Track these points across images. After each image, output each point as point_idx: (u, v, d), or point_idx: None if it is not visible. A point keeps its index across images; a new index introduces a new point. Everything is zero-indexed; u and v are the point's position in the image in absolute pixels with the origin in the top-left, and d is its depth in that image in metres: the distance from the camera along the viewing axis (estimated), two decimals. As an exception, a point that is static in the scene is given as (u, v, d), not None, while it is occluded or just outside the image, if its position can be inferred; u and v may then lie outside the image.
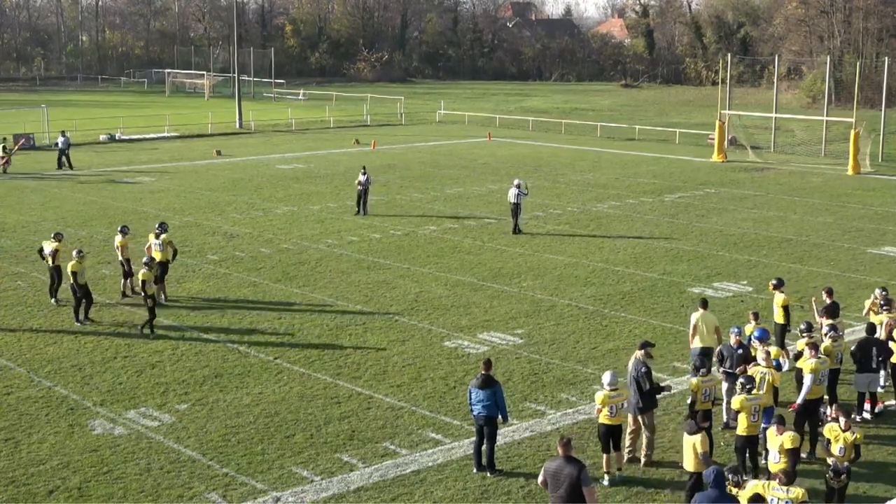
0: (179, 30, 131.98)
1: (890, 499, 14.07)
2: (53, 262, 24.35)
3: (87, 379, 19.40)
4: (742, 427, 14.92)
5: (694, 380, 15.80)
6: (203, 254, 29.55)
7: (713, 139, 53.82)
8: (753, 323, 18.53)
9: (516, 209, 32.89)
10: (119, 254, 25.44)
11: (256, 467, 15.62)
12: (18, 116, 61.48)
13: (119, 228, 26.15)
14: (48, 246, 24.68)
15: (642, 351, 15.98)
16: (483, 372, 15.47)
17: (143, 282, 22.14)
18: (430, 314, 23.69)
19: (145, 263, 22.87)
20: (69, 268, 22.92)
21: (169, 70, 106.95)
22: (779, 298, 20.28)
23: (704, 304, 18.88)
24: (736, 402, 15.01)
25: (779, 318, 20.21)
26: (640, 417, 15.79)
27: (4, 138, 49.20)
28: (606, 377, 15.19)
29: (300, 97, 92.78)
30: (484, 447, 15.47)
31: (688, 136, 61.27)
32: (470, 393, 15.50)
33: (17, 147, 49.61)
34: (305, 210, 37.06)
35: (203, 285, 26.07)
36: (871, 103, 66.78)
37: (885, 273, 27.87)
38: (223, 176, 45.57)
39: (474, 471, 15.45)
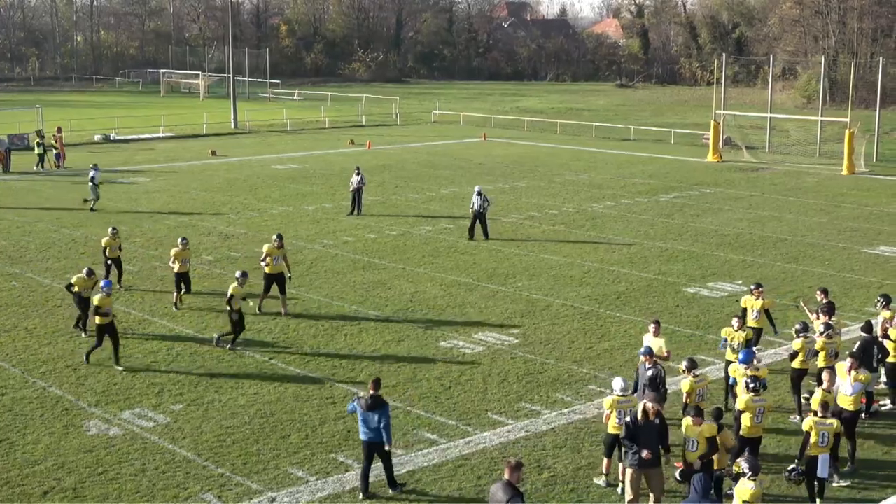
0: (174, 30, 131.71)
1: (885, 498, 14.10)
2: (104, 255, 25.68)
3: (81, 379, 19.37)
4: (745, 428, 14.83)
5: (686, 381, 15.73)
6: (198, 254, 29.49)
7: (708, 139, 53.87)
8: (737, 325, 18.04)
9: (481, 217, 31.95)
10: (175, 266, 24.16)
11: (252, 468, 15.61)
12: (13, 117, 61.34)
13: (180, 240, 24.85)
14: (104, 241, 25.89)
15: (650, 404, 14.08)
16: (371, 392, 14.57)
17: (232, 296, 20.97)
18: (426, 314, 23.69)
19: (238, 278, 21.41)
20: (73, 279, 22.26)
21: (164, 70, 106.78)
22: (758, 303, 19.86)
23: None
24: (741, 402, 14.95)
25: (762, 322, 19.99)
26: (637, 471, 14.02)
27: (39, 131, 49.10)
28: (617, 382, 14.84)
29: (295, 97, 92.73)
30: (374, 471, 14.69)
31: (683, 136, 61.34)
32: (358, 416, 14.61)
33: (60, 142, 48.86)
34: (301, 210, 37.05)
35: (198, 285, 25.97)
36: (865, 103, 66.92)
37: (880, 273, 27.92)
38: (218, 176, 45.53)
39: (360, 497, 14.64)
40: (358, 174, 36.33)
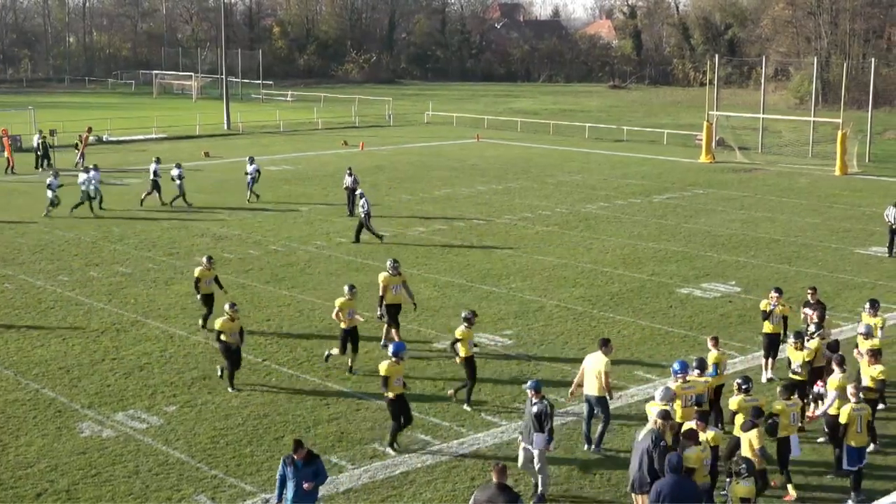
0: (167, 31, 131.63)
1: (877, 498, 14.13)
2: (196, 289, 22.52)
3: (75, 381, 19.34)
4: (738, 428, 14.81)
5: (673, 385, 15.56)
6: (191, 255, 29.45)
7: (701, 140, 53.96)
8: (713, 349, 17.16)
9: (365, 220, 31.15)
10: (341, 319, 19.87)
11: (245, 469, 15.60)
12: (5, 118, 61.19)
13: (347, 287, 20.35)
14: (197, 272, 22.51)
15: (661, 421, 13.45)
16: (301, 448, 12.68)
17: (458, 340, 18.08)
18: (419, 315, 23.66)
19: (466, 318, 18.16)
20: (217, 325, 19.11)
21: (157, 71, 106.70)
22: (777, 309, 19.43)
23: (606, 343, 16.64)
24: (734, 403, 14.95)
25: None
26: (639, 497, 13.37)
27: (52, 131, 49.00)
28: (658, 393, 14.37)
29: (287, 99, 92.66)
30: None
31: (676, 137, 61.43)
32: (285, 473, 12.68)
33: (85, 142, 48.89)
34: (294, 211, 37.00)
35: (191, 287, 25.92)
36: (857, 104, 66.99)
37: (873, 273, 27.99)
38: (212, 177, 45.48)
39: None
40: (350, 174, 36.34)
